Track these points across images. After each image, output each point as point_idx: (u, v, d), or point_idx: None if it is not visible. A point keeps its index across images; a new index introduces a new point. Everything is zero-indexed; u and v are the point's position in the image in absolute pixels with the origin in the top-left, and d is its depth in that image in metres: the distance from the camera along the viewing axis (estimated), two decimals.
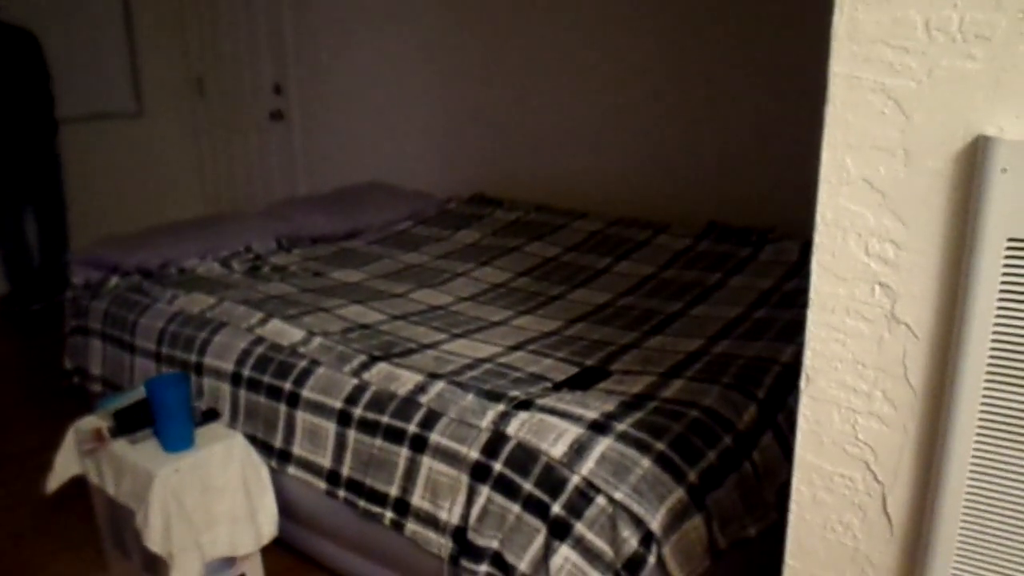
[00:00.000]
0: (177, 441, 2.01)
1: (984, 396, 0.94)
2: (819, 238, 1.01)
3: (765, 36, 3.09)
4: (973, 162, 0.89)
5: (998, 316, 0.90)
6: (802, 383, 1.08)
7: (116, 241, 3.05)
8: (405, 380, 1.96)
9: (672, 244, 3.04)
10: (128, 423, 2.10)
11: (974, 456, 0.97)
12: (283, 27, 4.69)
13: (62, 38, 4.66)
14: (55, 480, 2.22)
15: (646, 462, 1.61)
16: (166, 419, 1.99)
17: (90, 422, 2.17)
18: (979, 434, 0.96)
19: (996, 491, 0.97)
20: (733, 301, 2.48)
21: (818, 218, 1.00)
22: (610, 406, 1.77)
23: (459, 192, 4.14)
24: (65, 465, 2.22)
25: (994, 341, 0.91)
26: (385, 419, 1.92)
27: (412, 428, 1.86)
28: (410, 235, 3.42)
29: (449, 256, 3.10)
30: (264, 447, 2.17)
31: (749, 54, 3.15)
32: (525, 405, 1.78)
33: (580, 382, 1.93)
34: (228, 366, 2.28)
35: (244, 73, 5.02)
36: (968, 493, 0.98)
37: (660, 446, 1.65)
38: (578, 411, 1.74)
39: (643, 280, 2.74)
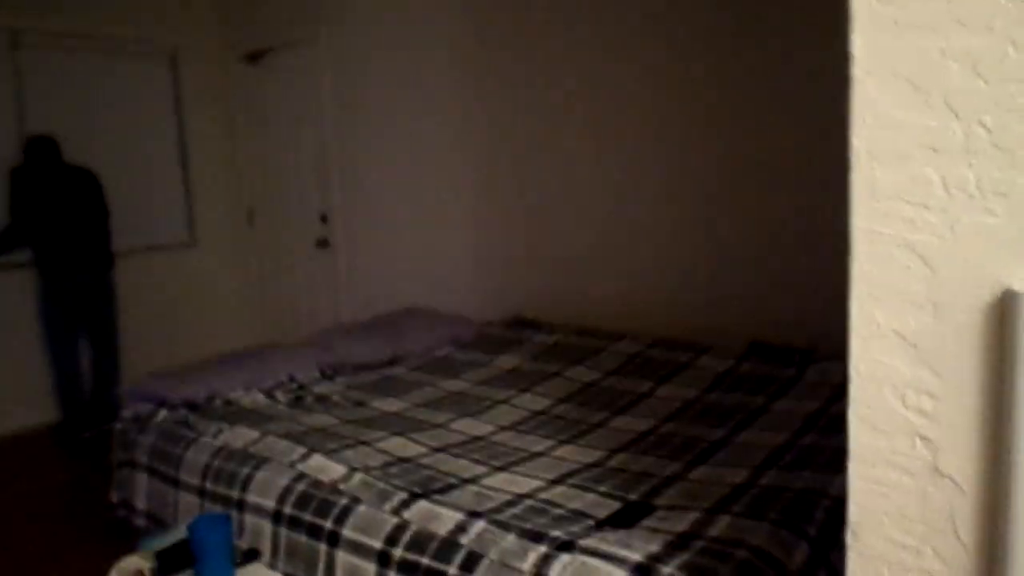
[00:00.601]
0: None
1: None
2: (854, 391, 1.00)
3: (802, 150, 3.15)
4: (1003, 315, 0.89)
5: None
6: (848, 538, 1.05)
7: (164, 374, 3.13)
8: (445, 519, 1.93)
9: (714, 366, 3.02)
10: (170, 564, 2.10)
11: None
12: (328, 158, 4.91)
13: (122, 175, 4.94)
14: None
15: None
16: (207, 561, 1.98)
17: (132, 562, 2.16)
18: None
19: None
20: (778, 427, 2.43)
21: (852, 371, 1.00)
22: (655, 547, 1.73)
23: (497, 315, 4.19)
24: None
25: None
26: (425, 560, 1.89)
27: (453, 571, 1.83)
28: (450, 360, 3.44)
29: (489, 382, 3.11)
30: None
31: (786, 170, 3.20)
32: (567, 546, 1.74)
33: (623, 519, 1.89)
34: (270, 503, 2.28)
35: (292, 203, 5.24)
36: None
37: None
38: (622, 553, 1.70)
39: (685, 405, 2.71)
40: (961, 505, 0.95)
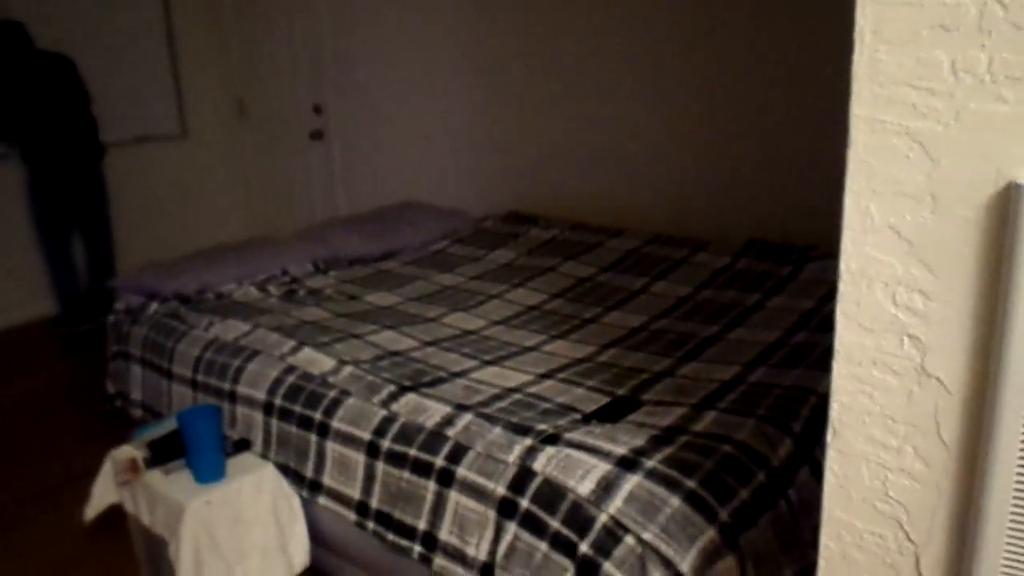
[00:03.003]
0: (208, 473, 2.02)
1: (1022, 454, 0.89)
2: (843, 287, 0.96)
3: (807, 49, 3.02)
4: (1005, 210, 0.84)
5: None
6: (829, 436, 1.03)
7: (156, 267, 3.10)
8: (433, 412, 1.94)
9: (710, 263, 2.98)
10: (162, 454, 2.13)
11: (1012, 516, 0.91)
12: (322, 48, 4.74)
13: (107, 64, 4.78)
14: (92, 509, 2.25)
15: (676, 501, 1.56)
16: (197, 451, 2.01)
17: (126, 452, 2.19)
18: (1017, 493, 0.90)
19: None
20: (771, 324, 2.41)
21: (842, 267, 0.96)
22: (640, 441, 1.73)
23: (495, 209, 4.13)
24: (102, 494, 2.25)
25: None
26: (413, 452, 1.90)
27: (439, 462, 1.84)
28: (445, 255, 3.41)
29: (483, 277, 3.08)
30: (295, 477, 2.17)
31: (790, 66, 3.08)
32: (552, 439, 1.75)
33: (610, 414, 1.89)
34: (260, 395, 2.29)
35: (285, 94, 5.09)
36: (1007, 556, 0.92)
37: (691, 484, 1.60)
38: (606, 446, 1.70)
39: (679, 301, 2.69)
40: (946, 406, 0.93)
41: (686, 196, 3.50)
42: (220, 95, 5.44)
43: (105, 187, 4.46)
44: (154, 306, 2.89)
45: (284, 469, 2.19)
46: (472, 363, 2.27)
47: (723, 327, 2.43)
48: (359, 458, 2.02)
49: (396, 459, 1.93)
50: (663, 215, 3.59)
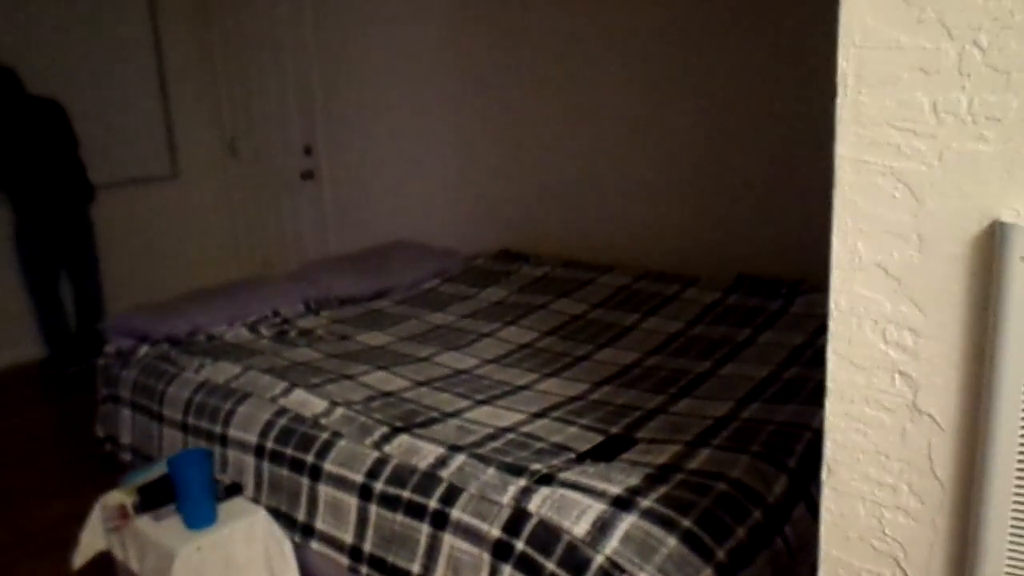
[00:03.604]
0: (199, 519, 2.00)
1: (1017, 490, 0.89)
2: (834, 325, 0.97)
3: (795, 87, 3.06)
4: (991, 248, 0.85)
5: None
6: (824, 474, 1.03)
7: (146, 309, 3.09)
8: (426, 453, 1.93)
9: (700, 298, 3.00)
10: (152, 499, 2.10)
11: (1010, 552, 0.91)
12: (312, 89, 4.78)
13: (98, 105, 4.80)
14: (81, 556, 2.22)
15: (672, 540, 1.55)
16: (188, 497, 1.98)
17: (115, 497, 2.17)
18: (1014, 530, 0.90)
19: None
20: (763, 359, 2.41)
21: (832, 304, 0.97)
22: (634, 480, 1.72)
23: (486, 247, 4.14)
24: (91, 541, 2.22)
25: None
26: (406, 494, 1.88)
27: (433, 504, 1.83)
28: (436, 294, 3.41)
29: (475, 315, 3.08)
30: (287, 520, 2.15)
31: (779, 104, 3.12)
32: (547, 480, 1.74)
33: (604, 452, 1.88)
34: (252, 438, 2.27)
35: (275, 134, 5.12)
36: None
37: (687, 523, 1.59)
38: (601, 486, 1.69)
39: (671, 338, 2.69)
40: (939, 443, 0.93)
41: (676, 232, 3.53)
42: (211, 135, 5.47)
43: (93, 229, 4.45)
44: (144, 349, 2.87)
45: (276, 513, 2.16)
46: (465, 403, 2.26)
47: (715, 363, 2.44)
48: (352, 501, 2.00)
49: (389, 502, 1.91)
50: (653, 251, 3.61)
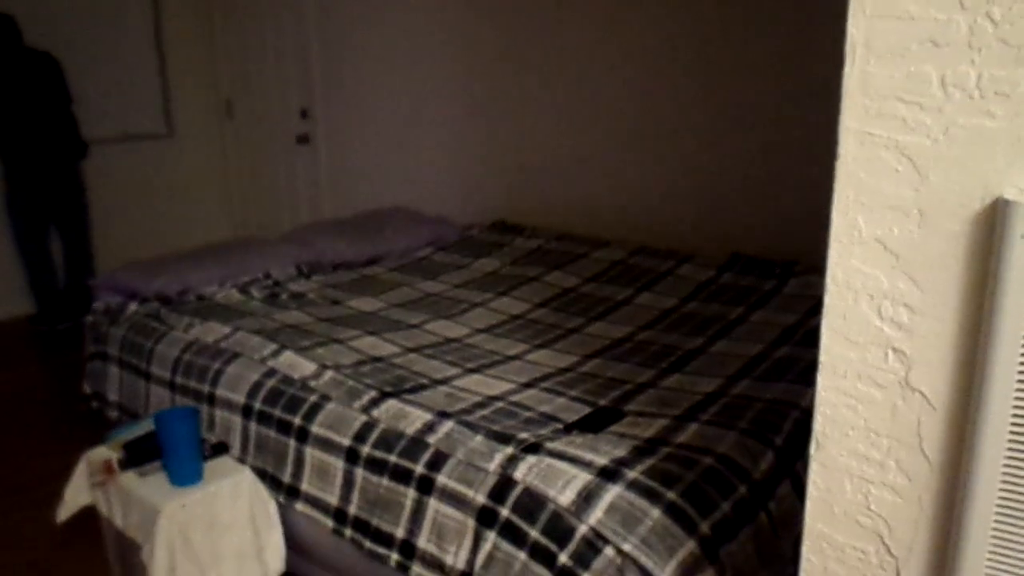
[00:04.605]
0: (185, 476, 1.99)
1: (1005, 471, 0.89)
2: (829, 299, 0.96)
3: (793, 60, 3.04)
4: (992, 225, 0.84)
5: (1020, 388, 0.85)
6: (812, 448, 1.03)
7: (136, 267, 3.07)
8: (414, 418, 1.92)
9: (694, 275, 2.99)
10: (138, 455, 2.09)
11: (994, 534, 0.91)
12: (310, 52, 4.72)
13: (94, 61, 4.74)
14: (65, 511, 2.21)
15: (656, 512, 1.56)
16: (174, 453, 1.98)
17: (101, 453, 2.16)
18: (999, 510, 0.90)
19: (1018, 570, 0.91)
20: (755, 338, 2.41)
21: (828, 278, 0.96)
22: (621, 451, 1.72)
23: (480, 218, 4.12)
24: (75, 495, 2.21)
25: (1016, 414, 0.86)
26: (392, 458, 1.88)
27: (419, 469, 1.83)
28: (430, 262, 3.40)
29: (467, 285, 3.07)
30: (273, 482, 2.15)
31: (776, 79, 3.10)
32: (534, 448, 1.74)
33: (592, 424, 1.89)
34: (239, 398, 2.26)
35: (272, 96, 5.06)
36: (988, 570, 0.92)
37: (672, 496, 1.59)
38: (588, 456, 1.69)
39: (663, 313, 2.69)
40: (930, 421, 0.93)
41: (671, 209, 3.51)
42: (207, 95, 5.41)
43: (84, 185, 4.41)
44: (133, 306, 2.85)
45: (262, 474, 2.16)
46: (454, 371, 2.26)
47: (707, 340, 2.43)
48: (338, 464, 1.99)
49: (375, 465, 1.91)
50: (648, 227, 3.60)
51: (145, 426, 2.21)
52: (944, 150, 0.86)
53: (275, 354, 2.33)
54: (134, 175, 5.11)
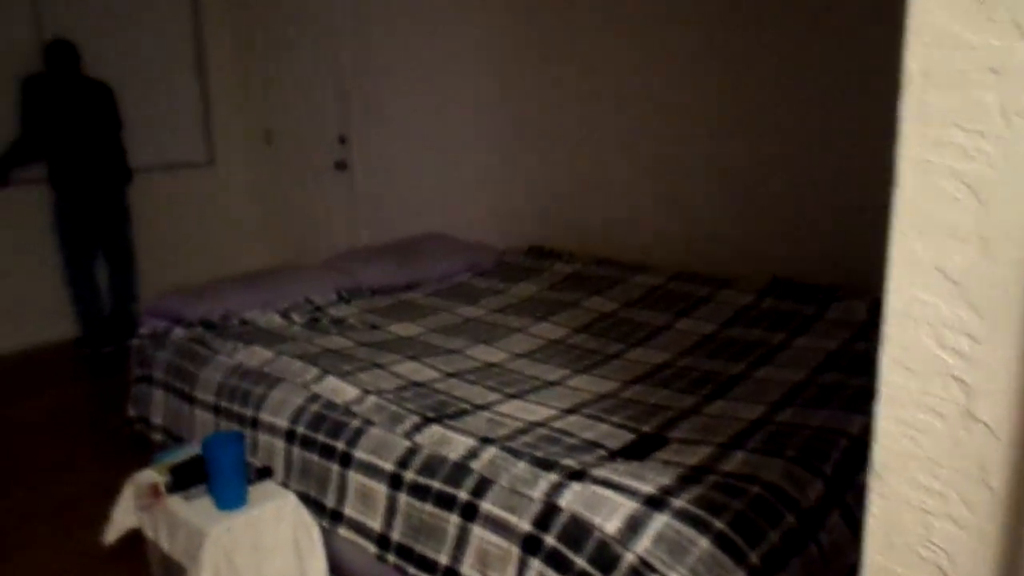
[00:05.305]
0: (230, 500, 2.02)
1: None
2: (888, 328, 0.95)
3: (837, 88, 3.03)
4: None
5: None
6: (870, 480, 1.01)
7: (181, 292, 3.12)
8: (457, 444, 1.93)
9: (735, 300, 2.97)
10: (183, 479, 2.12)
11: None
12: (347, 79, 4.80)
13: (137, 90, 4.86)
14: (113, 532, 2.25)
15: (704, 542, 1.54)
16: (220, 478, 2.00)
17: (147, 476, 2.19)
18: None
19: None
20: (798, 364, 2.39)
21: (887, 308, 0.95)
22: (667, 479, 1.71)
23: (517, 242, 4.14)
24: (123, 517, 2.24)
25: None
26: (436, 484, 1.89)
27: (463, 495, 1.83)
28: (467, 287, 3.41)
29: (506, 310, 3.08)
30: (316, 506, 2.16)
31: (820, 106, 3.09)
32: (579, 475, 1.73)
33: (636, 451, 1.87)
34: (283, 423, 2.29)
35: (310, 123, 5.15)
36: None
37: (720, 525, 1.57)
38: (633, 484, 1.68)
39: (704, 339, 2.67)
40: (993, 452, 0.91)
41: (710, 234, 3.50)
42: (246, 123, 5.52)
43: (129, 212, 4.51)
44: (179, 331, 2.90)
45: (305, 498, 2.18)
46: (496, 396, 2.26)
47: (749, 366, 2.41)
48: (381, 489, 2.00)
49: (419, 491, 1.92)
50: (686, 251, 3.59)
51: (190, 450, 2.24)
52: (1005, 178, 0.85)
53: (318, 379, 2.35)
54: (175, 202, 5.21)
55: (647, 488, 1.67)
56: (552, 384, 2.36)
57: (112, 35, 4.76)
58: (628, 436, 1.97)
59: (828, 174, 3.10)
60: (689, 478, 1.72)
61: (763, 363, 2.42)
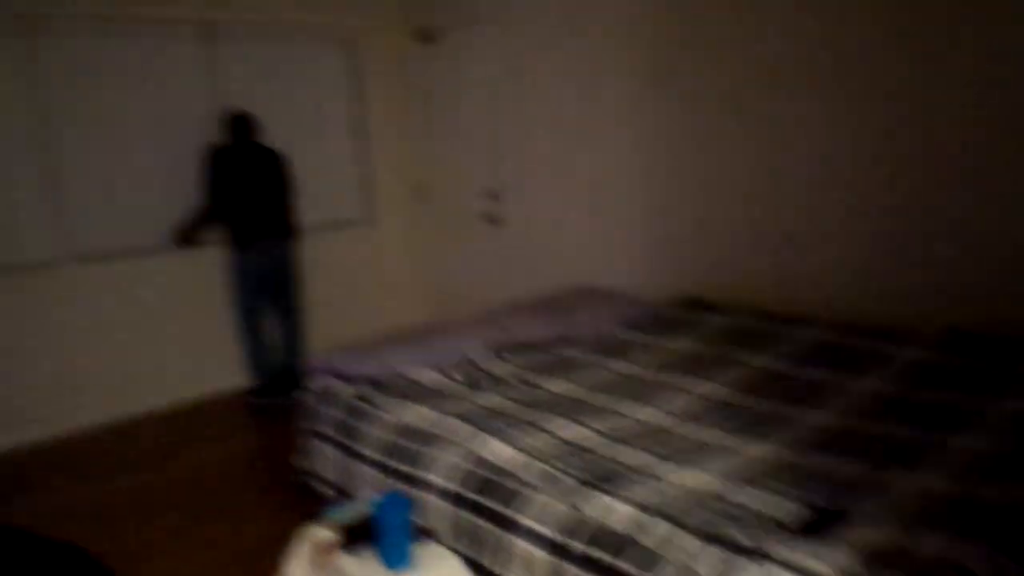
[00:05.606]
0: (397, 560, 2.06)
1: None
2: None
3: (1019, 116, 2.82)
4: None
5: None
6: None
7: (347, 350, 3.27)
8: (622, 515, 1.89)
9: (910, 355, 2.79)
10: (354, 537, 2.19)
11: None
12: (499, 136, 4.94)
13: (302, 154, 5.19)
14: None
15: None
16: (389, 538, 2.05)
17: (322, 533, 2.27)
18: None
19: None
20: (990, 429, 2.19)
21: None
22: (852, 562, 1.60)
23: (671, 293, 4.07)
24: (295, 571, 2.33)
25: None
26: (602, 556, 1.85)
27: (632, 569, 1.78)
28: (622, 342, 3.38)
29: (663, 367, 3.02)
30: (479, 570, 2.17)
31: (998, 130, 2.88)
32: (753, 553, 1.65)
33: (812, 526, 1.77)
34: (447, 484, 2.33)
35: (463, 180, 5.32)
36: None
37: None
38: (814, 566, 1.59)
39: (879, 400, 2.51)
40: None
41: (875, 281, 3.31)
42: (403, 182, 5.77)
43: (298, 269, 4.79)
44: (347, 388, 3.03)
45: (468, 560, 2.19)
46: (658, 461, 2.20)
47: (932, 431, 2.24)
48: (545, 557, 1.99)
49: (585, 563, 1.89)
50: (848, 301, 3.41)
51: (361, 508, 2.31)
52: None
53: (480, 440, 2.38)
54: (337, 259, 5.49)
55: (830, 572, 1.56)
56: (716, 449, 2.28)
57: (279, 106, 5.12)
58: (799, 508, 1.86)
59: (1004, 210, 2.87)
60: (875, 560, 1.60)
61: (948, 427, 2.24)
